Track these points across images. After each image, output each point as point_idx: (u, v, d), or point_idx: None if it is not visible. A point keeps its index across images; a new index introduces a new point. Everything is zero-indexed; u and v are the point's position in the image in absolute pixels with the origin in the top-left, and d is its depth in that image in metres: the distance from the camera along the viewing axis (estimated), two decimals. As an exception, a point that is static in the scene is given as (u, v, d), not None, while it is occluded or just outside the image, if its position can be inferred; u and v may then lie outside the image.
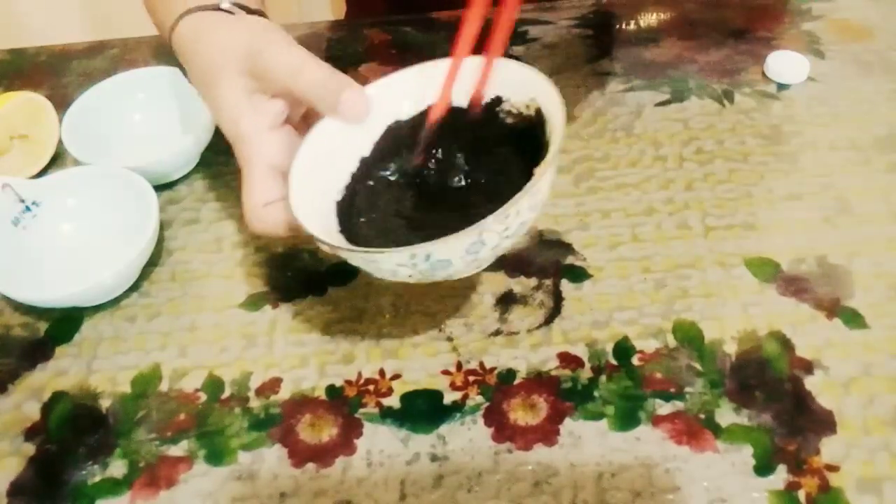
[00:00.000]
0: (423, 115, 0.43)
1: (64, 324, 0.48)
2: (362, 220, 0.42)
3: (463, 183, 0.44)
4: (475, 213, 0.36)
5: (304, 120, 0.43)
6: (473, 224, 0.35)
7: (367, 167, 0.43)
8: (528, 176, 0.37)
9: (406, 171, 0.44)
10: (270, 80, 0.40)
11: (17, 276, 0.47)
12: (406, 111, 0.43)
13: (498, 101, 0.42)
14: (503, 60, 0.41)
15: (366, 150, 0.43)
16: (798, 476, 0.39)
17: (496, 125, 0.42)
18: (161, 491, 0.40)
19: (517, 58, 0.62)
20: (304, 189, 0.39)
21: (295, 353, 0.45)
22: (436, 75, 0.41)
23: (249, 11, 0.45)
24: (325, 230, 0.39)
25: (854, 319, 0.44)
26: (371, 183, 0.43)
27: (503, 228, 0.36)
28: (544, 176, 0.36)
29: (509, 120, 0.42)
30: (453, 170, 0.44)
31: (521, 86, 0.41)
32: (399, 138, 0.43)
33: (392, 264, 0.36)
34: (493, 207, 0.36)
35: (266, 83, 0.40)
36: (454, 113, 0.42)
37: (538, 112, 0.40)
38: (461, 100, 0.42)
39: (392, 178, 0.43)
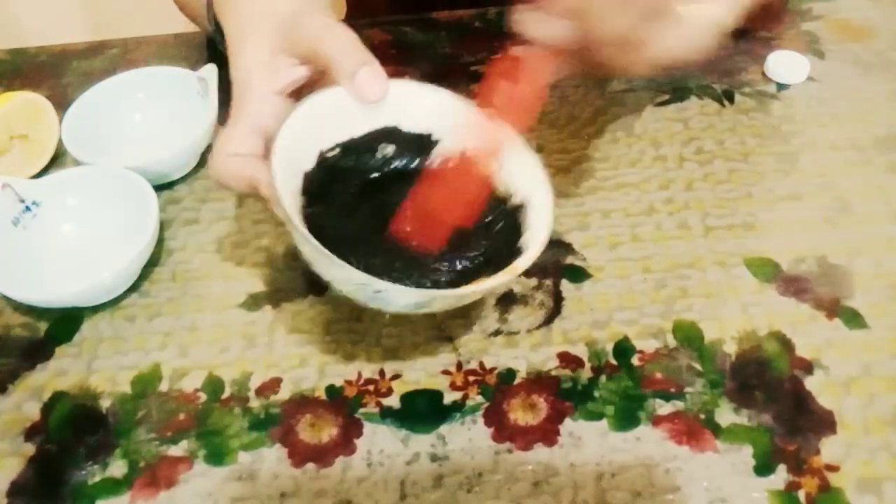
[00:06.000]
0: (423, 138, 0.43)
1: (64, 324, 0.48)
2: (325, 205, 0.41)
3: None
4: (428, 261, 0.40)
5: (298, 93, 0.42)
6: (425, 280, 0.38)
7: (348, 151, 0.42)
8: (500, 241, 0.40)
9: (381, 177, 0.43)
10: (300, 40, 0.40)
11: (17, 276, 0.47)
12: (406, 124, 0.42)
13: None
14: (520, 144, 0.41)
15: (355, 135, 0.42)
16: (798, 476, 0.39)
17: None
18: (161, 491, 0.40)
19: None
20: (286, 149, 0.38)
21: (295, 353, 0.45)
22: (457, 113, 0.41)
23: None
24: (292, 198, 0.39)
25: (854, 319, 0.44)
26: (344, 169, 0.43)
27: (454, 302, 0.38)
28: (511, 277, 0.37)
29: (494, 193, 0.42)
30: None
31: (522, 173, 0.41)
32: (388, 142, 0.43)
33: (341, 274, 0.36)
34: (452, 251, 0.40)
35: (295, 44, 0.40)
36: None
37: (521, 208, 0.41)
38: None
39: (367, 177, 0.43)
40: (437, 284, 0.39)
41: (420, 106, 0.42)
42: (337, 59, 0.39)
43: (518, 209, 0.41)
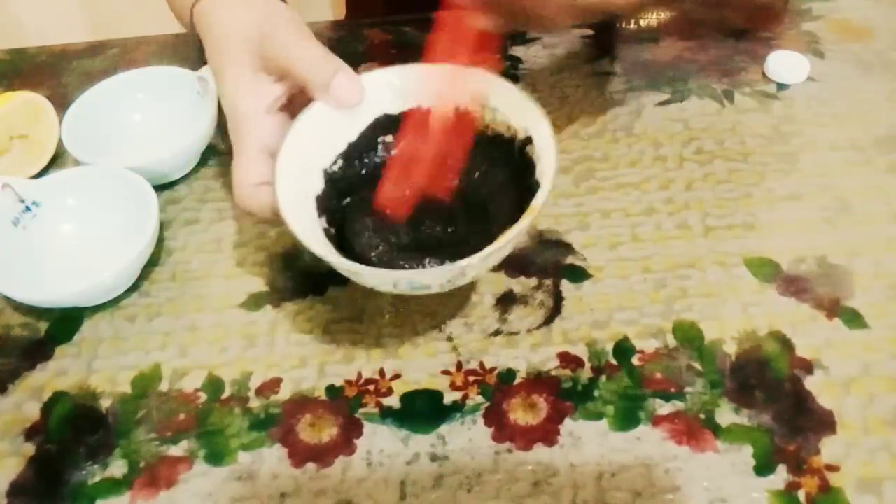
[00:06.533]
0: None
1: (64, 324, 0.48)
2: (344, 211, 0.42)
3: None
4: (455, 230, 0.41)
5: (289, 104, 0.43)
6: (456, 249, 0.38)
7: (351, 157, 0.43)
8: (513, 191, 0.41)
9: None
10: (271, 59, 0.40)
11: (17, 276, 0.47)
12: (395, 106, 0.43)
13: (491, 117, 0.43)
14: (503, 83, 0.41)
15: (351, 139, 0.43)
16: (798, 476, 0.39)
17: (485, 141, 0.43)
18: (161, 491, 0.40)
19: (518, 58, 0.62)
20: (289, 179, 0.39)
21: (295, 353, 0.45)
22: (429, 78, 0.42)
23: None
24: (308, 223, 0.39)
25: (854, 319, 0.44)
26: (354, 175, 0.43)
27: (484, 264, 0.38)
28: (532, 217, 0.37)
29: (500, 138, 0.43)
30: None
31: (517, 111, 0.42)
32: (385, 132, 0.43)
33: (375, 281, 0.37)
34: (475, 223, 0.40)
35: (268, 64, 0.40)
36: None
37: (529, 141, 0.41)
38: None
39: (375, 172, 0.44)
40: (469, 250, 0.39)
41: (397, 85, 0.43)
42: (308, 77, 0.39)
43: (527, 143, 0.41)
